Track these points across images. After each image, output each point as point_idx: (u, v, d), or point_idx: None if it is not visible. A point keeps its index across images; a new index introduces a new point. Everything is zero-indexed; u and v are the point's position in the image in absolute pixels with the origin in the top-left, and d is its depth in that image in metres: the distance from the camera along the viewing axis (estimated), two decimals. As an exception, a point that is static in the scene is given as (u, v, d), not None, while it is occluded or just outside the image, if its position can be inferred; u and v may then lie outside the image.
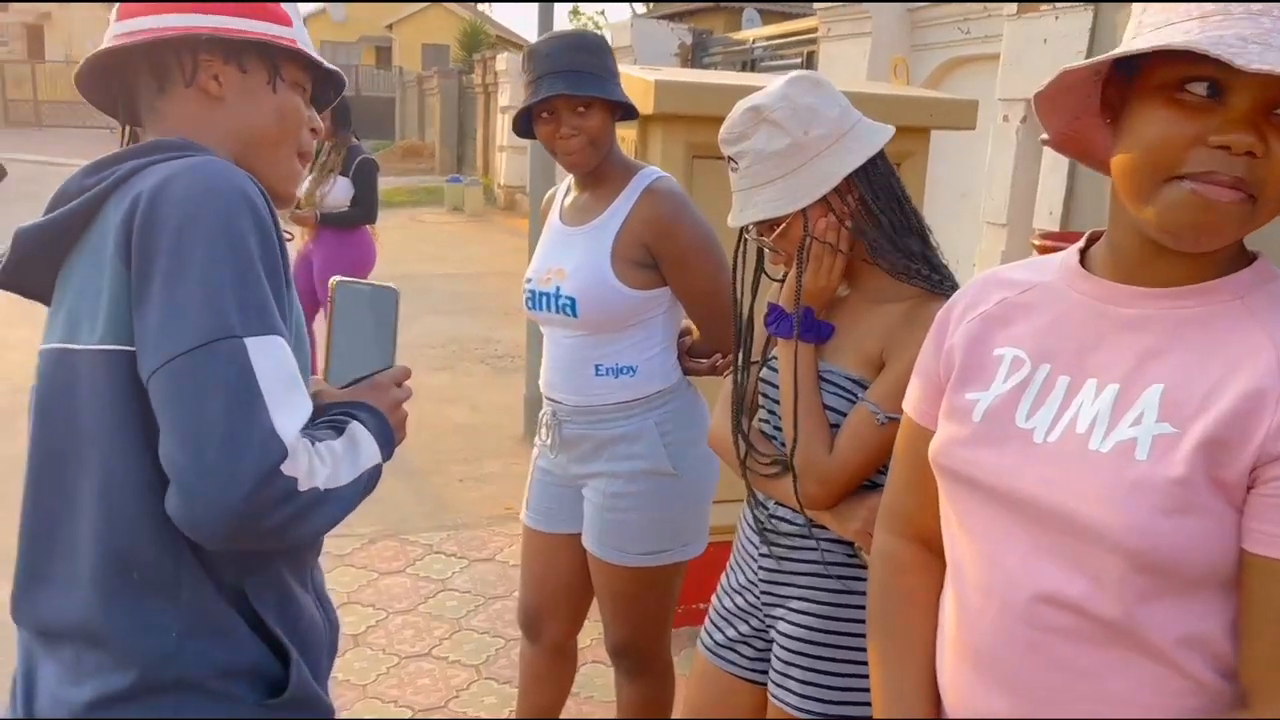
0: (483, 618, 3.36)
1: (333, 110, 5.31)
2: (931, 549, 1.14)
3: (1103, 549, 0.90)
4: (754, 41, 8.86)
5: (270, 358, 0.96)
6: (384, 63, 31.84)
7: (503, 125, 16.75)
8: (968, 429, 1.04)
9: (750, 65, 8.73)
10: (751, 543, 1.64)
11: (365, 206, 5.13)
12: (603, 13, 48.19)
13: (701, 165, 2.93)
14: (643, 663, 2.21)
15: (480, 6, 33.49)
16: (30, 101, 26.51)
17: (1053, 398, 0.99)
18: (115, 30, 1.16)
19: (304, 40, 1.21)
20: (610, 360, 2.07)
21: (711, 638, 1.70)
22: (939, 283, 1.48)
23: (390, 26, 33.29)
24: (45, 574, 1.06)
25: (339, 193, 5.17)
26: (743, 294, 1.62)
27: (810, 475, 1.46)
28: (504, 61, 16.72)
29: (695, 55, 10.18)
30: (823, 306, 1.53)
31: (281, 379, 0.97)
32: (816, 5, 6.45)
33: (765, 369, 1.62)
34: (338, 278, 1.19)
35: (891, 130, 1.49)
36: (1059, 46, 4.39)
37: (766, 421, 1.62)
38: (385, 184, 17.21)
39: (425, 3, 33.34)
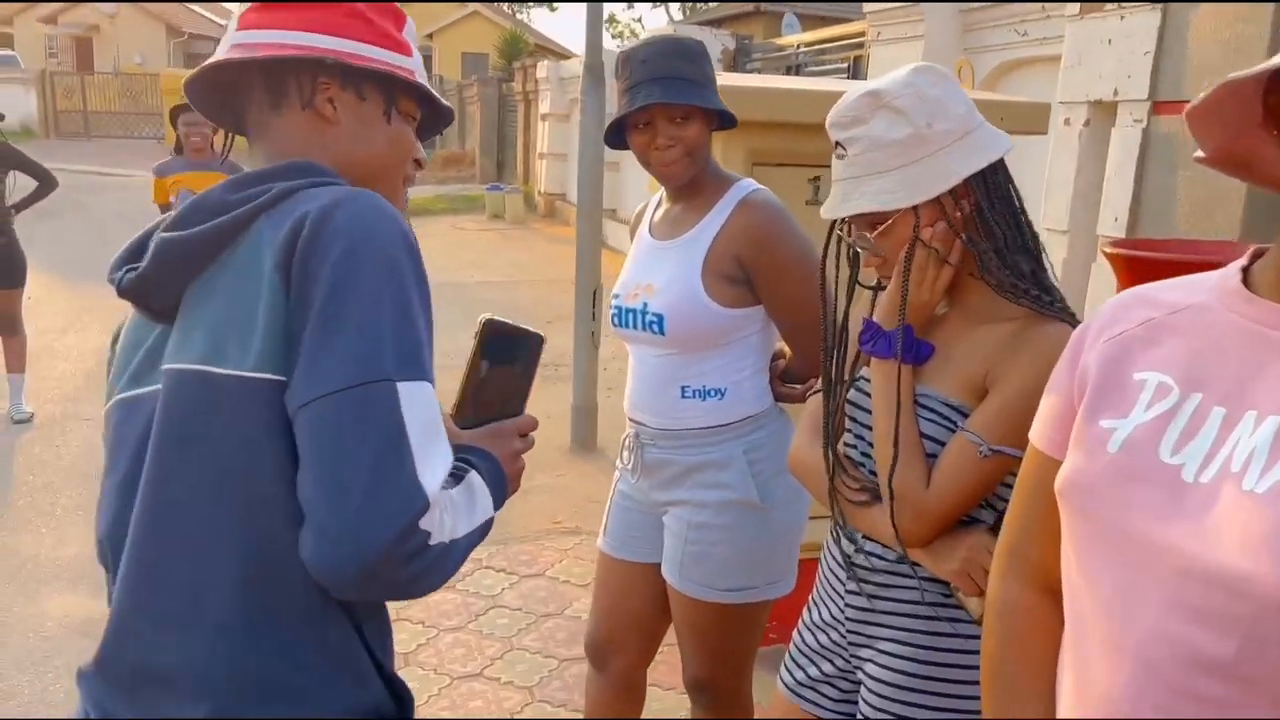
0: (534, 636, 3.28)
1: None
2: (1058, 597, 1.03)
3: (1258, 606, 0.79)
4: (798, 47, 8.75)
5: (420, 405, 0.92)
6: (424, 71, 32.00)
7: (543, 132, 16.75)
8: (1101, 460, 0.93)
9: (795, 70, 8.62)
10: (837, 577, 1.54)
11: None
12: (639, 19, 48.26)
13: (762, 173, 2.83)
14: (721, 699, 2.11)
15: (520, 15, 33.61)
16: (80, 112, 26.96)
17: (1205, 431, 0.88)
18: (234, 39, 1.12)
19: (420, 72, 1.18)
20: (698, 382, 1.98)
21: (792, 675, 1.60)
22: (1049, 304, 1.37)
23: (430, 35, 33.51)
24: (157, 610, 0.98)
25: None
26: (836, 302, 1.53)
27: (906, 508, 1.36)
28: (544, 69, 16.73)
29: (738, 61, 10.08)
30: (923, 324, 1.42)
31: (428, 428, 0.93)
32: (866, 8, 6.33)
33: (852, 389, 1.53)
34: (487, 315, 1.13)
35: (1010, 140, 1.39)
36: (1124, 47, 4.24)
37: (853, 447, 1.52)
38: (424, 192, 17.29)
39: (465, 10, 33.52)
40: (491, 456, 1.09)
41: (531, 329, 1.15)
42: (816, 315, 1.94)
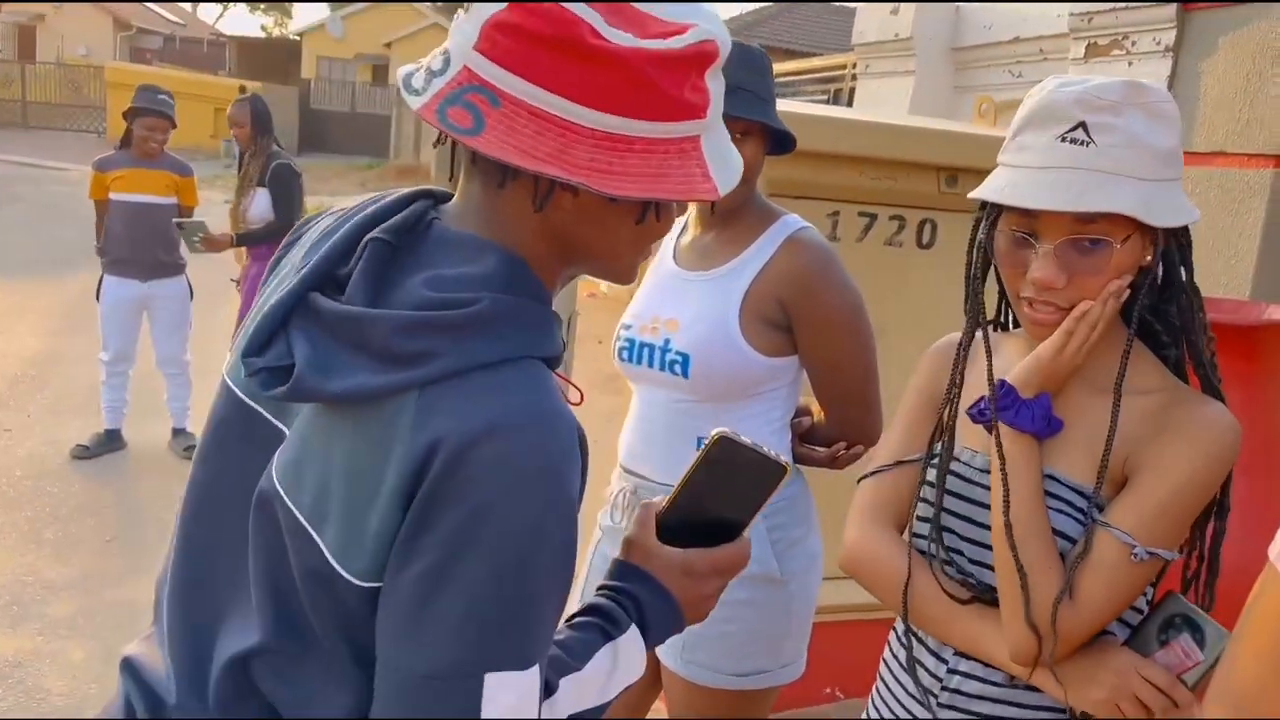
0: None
1: (251, 115, 5.01)
2: None
3: None
4: (776, 77, 8.60)
5: (509, 695, 0.82)
6: (380, 81, 31.56)
7: (502, 149, 16.47)
8: None
9: (771, 100, 8.46)
10: (904, 706, 1.29)
11: (283, 217, 4.78)
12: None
13: (780, 204, 2.60)
14: None
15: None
16: (18, 102, 26.00)
17: None
18: (467, 56, 0.86)
19: (716, 118, 0.92)
20: None
21: None
22: (1219, 381, 1.15)
23: (388, 45, 33.08)
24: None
25: (259, 206, 4.86)
26: (960, 347, 1.26)
27: (1041, 618, 1.11)
28: (507, 85, 16.48)
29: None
30: (1059, 388, 1.19)
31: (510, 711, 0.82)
32: (856, 40, 6.18)
33: (932, 465, 1.28)
34: (721, 430, 0.97)
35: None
36: (1131, 94, 4.12)
37: (933, 539, 1.27)
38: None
39: (424, 22, 33.17)
40: (671, 600, 0.97)
41: (773, 455, 0.98)
42: (860, 374, 1.72)
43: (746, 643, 1.74)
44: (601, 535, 1.92)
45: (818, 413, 1.82)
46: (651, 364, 1.76)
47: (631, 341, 1.80)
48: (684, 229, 1.88)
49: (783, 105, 3.00)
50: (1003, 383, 1.17)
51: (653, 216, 0.90)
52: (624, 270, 0.96)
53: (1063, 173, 1.10)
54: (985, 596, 1.20)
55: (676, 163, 0.86)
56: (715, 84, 0.89)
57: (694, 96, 0.86)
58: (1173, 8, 3.87)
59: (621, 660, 0.95)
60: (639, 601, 0.97)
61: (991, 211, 1.20)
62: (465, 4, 0.87)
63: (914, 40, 5.68)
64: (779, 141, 1.74)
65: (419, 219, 0.92)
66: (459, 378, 0.82)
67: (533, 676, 0.83)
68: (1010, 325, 1.33)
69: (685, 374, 1.70)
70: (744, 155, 1.63)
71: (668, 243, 1.88)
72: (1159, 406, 1.14)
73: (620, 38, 0.82)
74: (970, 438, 1.26)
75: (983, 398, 1.19)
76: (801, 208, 2.73)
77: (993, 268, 1.22)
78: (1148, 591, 1.20)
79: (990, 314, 1.30)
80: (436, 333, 0.83)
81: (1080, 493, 1.15)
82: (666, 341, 1.73)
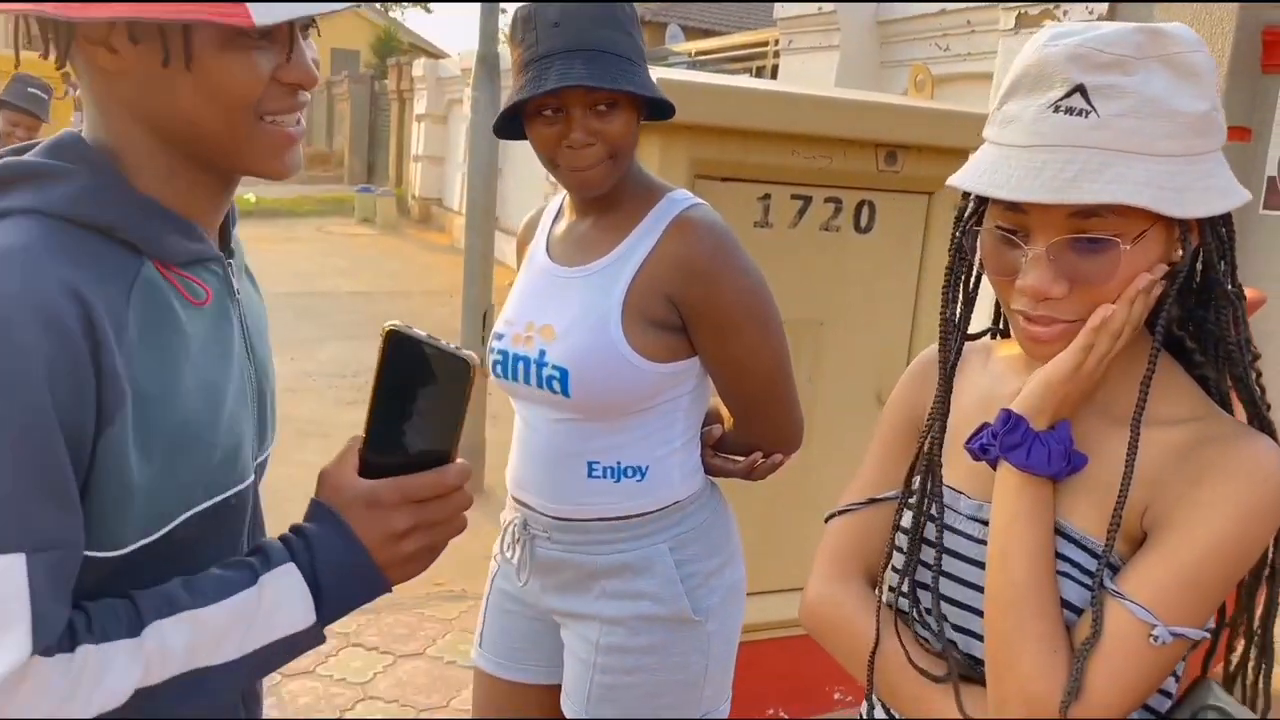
0: (415, 740, 2.72)
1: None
2: None
3: None
4: (694, 55, 8.37)
5: None
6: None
7: (418, 133, 15.99)
8: None
9: (692, 79, 8.25)
10: None
11: None
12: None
13: (705, 187, 2.36)
14: None
15: (392, 14, 32.45)
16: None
17: None
18: None
19: None
20: (611, 457, 1.48)
21: None
22: (1265, 408, 0.93)
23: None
24: None
25: None
26: (955, 355, 1.01)
27: (1040, 707, 0.88)
28: (420, 68, 16.02)
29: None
30: (1075, 414, 0.94)
31: None
32: (778, 13, 5.97)
33: (907, 505, 1.05)
34: (392, 323, 0.87)
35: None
36: (1065, 65, 3.98)
37: (906, 595, 1.03)
38: (290, 191, 16.42)
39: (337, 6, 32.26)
40: (345, 534, 0.85)
41: (455, 350, 0.87)
42: (772, 370, 1.47)
43: (658, 693, 1.50)
44: (497, 569, 1.67)
45: (728, 418, 1.58)
46: (528, 380, 1.50)
47: (505, 354, 1.53)
48: (558, 215, 1.60)
49: (703, 78, 2.76)
50: (1008, 414, 0.93)
51: (187, 58, 0.79)
52: (234, 150, 0.85)
53: (1055, 152, 0.85)
54: (969, 672, 0.97)
55: None
56: None
57: None
58: (1106, -25, 3.72)
59: (268, 601, 0.83)
60: (306, 537, 0.86)
61: (976, 202, 0.97)
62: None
63: (837, 14, 5.50)
64: (656, 108, 1.45)
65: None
66: None
67: (17, 568, 0.72)
68: (1006, 331, 1.10)
69: (565, 391, 1.45)
70: (615, 130, 1.39)
71: (541, 234, 1.60)
72: (1189, 441, 0.91)
73: None
74: (957, 474, 1.02)
75: (983, 428, 0.95)
76: (730, 190, 2.50)
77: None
78: (1178, 667, 0.98)
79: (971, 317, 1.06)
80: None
81: (1088, 550, 0.93)
82: (541, 353, 1.47)
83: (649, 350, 1.44)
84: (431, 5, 37.63)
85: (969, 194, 0.95)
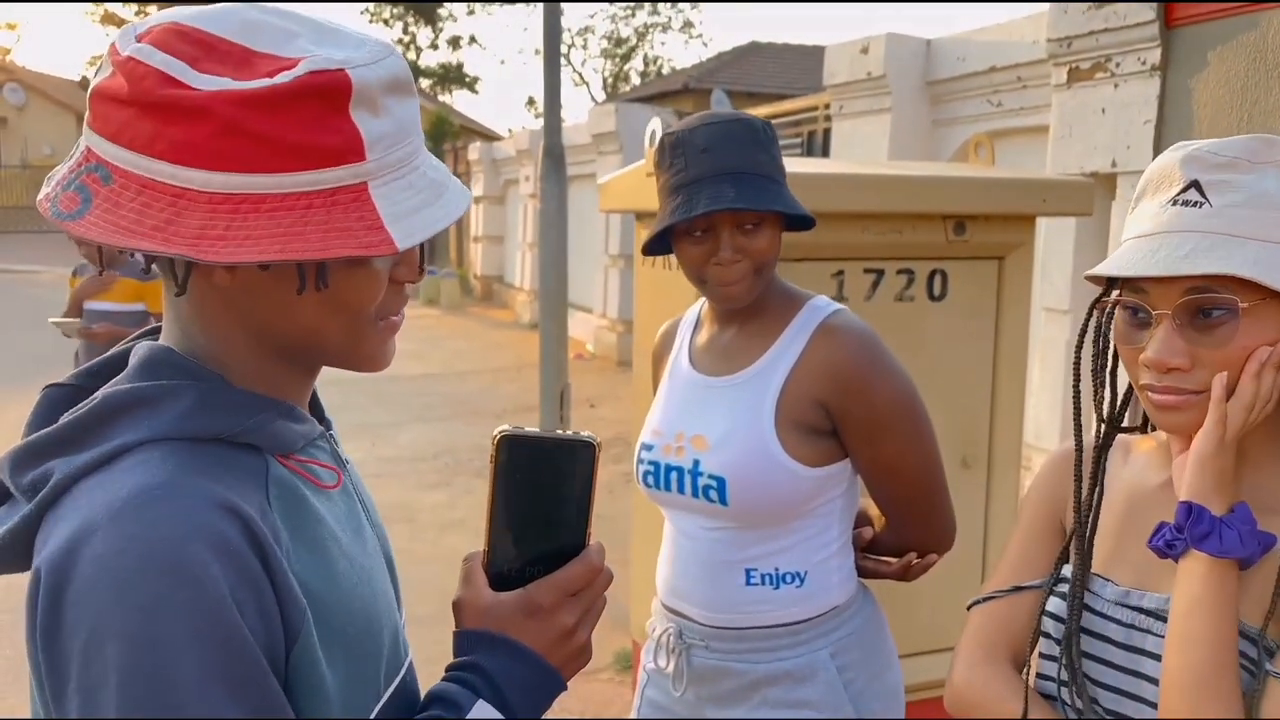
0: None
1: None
2: None
3: None
4: (745, 122, 8.52)
5: None
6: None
7: (477, 214, 16.39)
8: None
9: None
10: None
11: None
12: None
13: (783, 269, 2.43)
14: None
15: (441, 98, 33.45)
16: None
17: None
18: (87, 137, 0.76)
19: (401, 143, 0.78)
20: (769, 564, 1.51)
21: None
22: None
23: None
24: None
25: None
26: (1108, 437, 1.09)
27: None
28: (476, 151, 16.48)
29: (680, 138, 9.82)
30: (1237, 493, 0.97)
31: None
32: (828, 80, 6.10)
33: (1057, 594, 1.09)
34: (502, 429, 0.84)
35: None
36: (1121, 117, 4.01)
37: (1051, 679, 1.08)
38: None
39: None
40: (519, 653, 0.83)
41: (575, 435, 0.85)
42: (923, 473, 1.51)
43: None
44: (646, 679, 1.69)
45: (878, 518, 1.62)
46: (682, 490, 1.54)
47: (656, 465, 1.57)
48: (697, 326, 1.67)
49: (793, 163, 2.86)
50: (1188, 506, 0.96)
51: (321, 282, 0.77)
52: (348, 353, 0.84)
53: (1171, 236, 0.95)
54: None
55: (321, 216, 0.73)
56: (377, 119, 0.75)
57: (331, 139, 0.73)
58: (1155, 26, 3.76)
59: None
60: (482, 669, 0.83)
61: (1108, 292, 1.05)
62: None
63: (887, 78, 5.60)
64: (797, 219, 1.53)
65: (128, 353, 0.84)
66: (71, 491, 0.73)
67: None
68: (1147, 427, 1.15)
69: (723, 500, 1.49)
70: (761, 247, 1.47)
71: (681, 344, 1.67)
72: None
73: (209, 83, 0.72)
74: (1104, 562, 1.08)
75: (1163, 525, 0.98)
76: (804, 270, 2.58)
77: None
78: None
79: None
80: (48, 451, 0.75)
81: (1248, 637, 0.96)
82: (696, 464, 1.51)
83: (803, 455, 1.48)
84: (479, 88, 38.61)
85: (1105, 285, 1.04)
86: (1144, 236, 0.97)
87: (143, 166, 0.72)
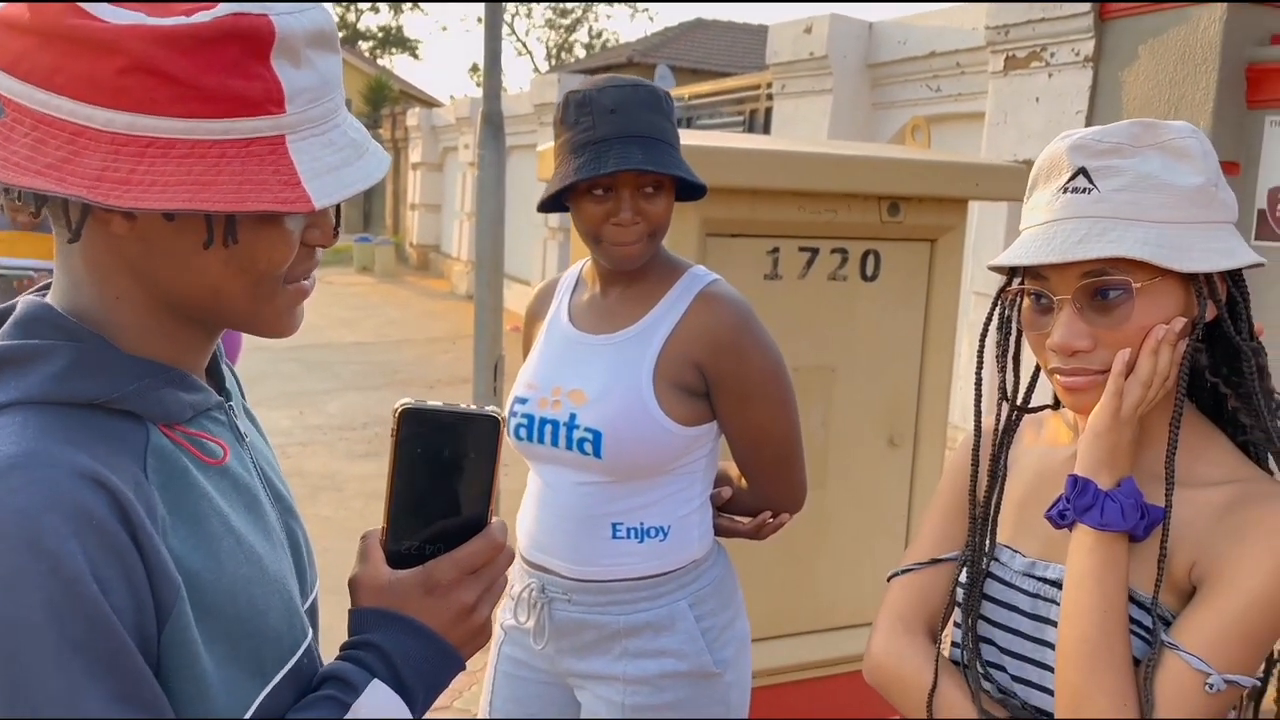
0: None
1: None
2: None
3: None
4: (688, 99, 8.52)
5: None
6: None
7: (414, 182, 16.15)
8: None
9: (686, 124, 8.37)
10: None
11: None
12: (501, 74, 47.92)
13: (716, 244, 2.45)
14: None
15: (381, 62, 32.84)
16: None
17: None
18: None
19: (316, 98, 0.73)
20: (635, 518, 1.55)
21: None
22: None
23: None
24: None
25: None
26: (998, 428, 1.12)
27: None
28: (415, 117, 16.21)
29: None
30: (1129, 467, 1.01)
31: None
32: (770, 59, 6.11)
33: (968, 568, 1.12)
34: (404, 402, 0.82)
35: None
36: (1054, 106, 4.08)
37: (961, 650, 1.10)
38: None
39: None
40: (417, 631, 0.80)
41: (479, 410, 0.83)
42: (785, 439, 1.56)
43: None
44: (504, 636, 1.70)
45: (738, 478, 1.66)
46: (556, 443, 1.56)
47: (530, 418, 1.59)
48: (577, 286, 1.69)
49: (709, 138, 2.86)
50: (1074, 479, 1.00)
51: (230, 238, 0.72)
52: (251, 316, 0.79)
53: (1064, 224, 0.98)
54: (1025, 718, 1.04)
55: (235, 167, 0.69)
56: (298, 71, 0.71)
57: (250, 87, 0.69)
58: (1089, 18, 3.83)
59: None
60: (377, 647, 0.80)
61: (1010, 282, 1.08)
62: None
63: (829, 58, 5.63)
64: (687, 188, 1.55)
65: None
66: None
67: None
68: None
69: (598, 453, 1.51)
70: (658, 211, 1.50)
71: (560, 302, 1.68)
72: (1231, 501, 0.98)
73: (120, 16, 0.67)
74: (1012, 533, 1.11)
75: (1061, 497, 1.02)
76: (740, 246, 2.59)
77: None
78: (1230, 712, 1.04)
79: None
80: None
81: (1139, 603, 0.99)
82: (572, 417, 1.53)
83: (677, 414, 1.52)
84: (420, 53, 38.00)
85: (1008, 275, 1.07)
86: (1039, 225, 1.00)
87: (39, 100, 0.67)
